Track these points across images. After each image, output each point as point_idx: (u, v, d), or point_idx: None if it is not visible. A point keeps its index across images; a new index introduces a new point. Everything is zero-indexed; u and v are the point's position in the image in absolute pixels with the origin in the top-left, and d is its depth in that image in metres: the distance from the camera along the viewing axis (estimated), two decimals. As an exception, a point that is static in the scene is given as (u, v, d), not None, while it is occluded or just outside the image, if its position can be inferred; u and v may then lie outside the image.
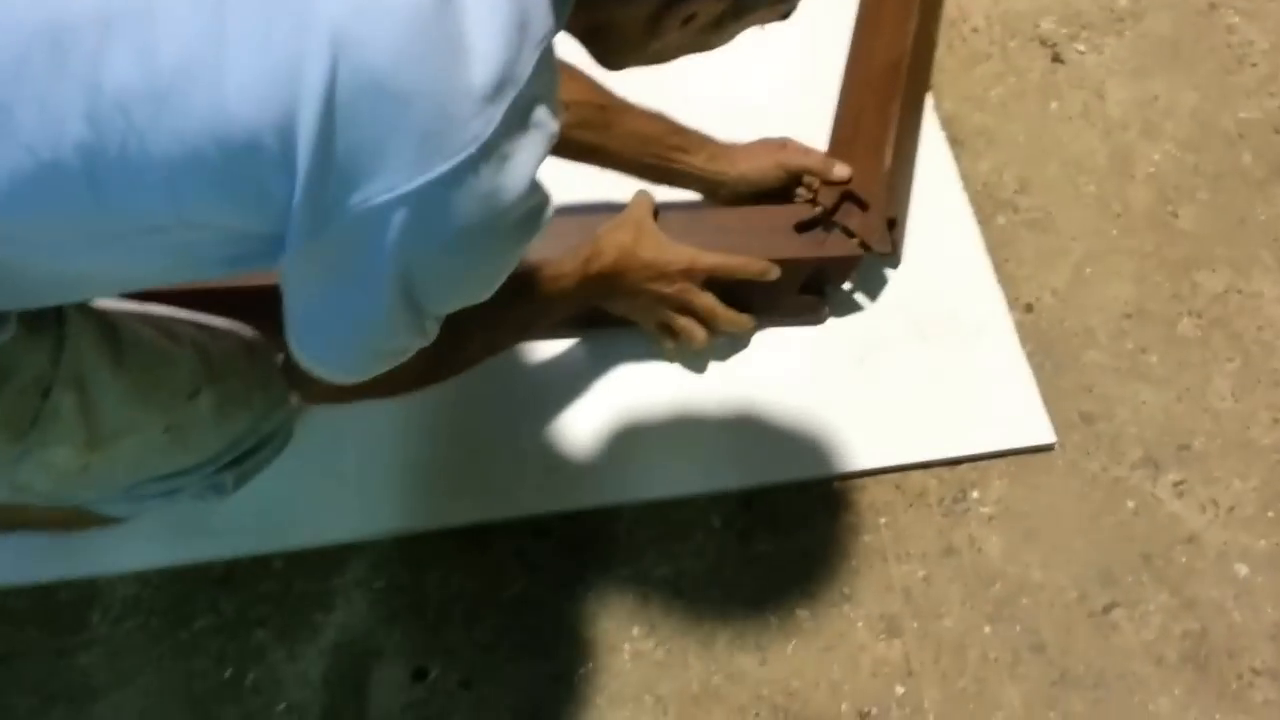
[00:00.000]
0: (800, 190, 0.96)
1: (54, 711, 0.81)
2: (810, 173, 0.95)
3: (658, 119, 0.91)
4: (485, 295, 0.56)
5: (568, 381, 0.95)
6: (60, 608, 0.85)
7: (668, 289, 0.87)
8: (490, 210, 0.49)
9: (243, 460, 0.79)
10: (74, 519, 0.84)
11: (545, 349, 0.96)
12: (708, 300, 0.89)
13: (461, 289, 0.55)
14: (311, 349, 0.58)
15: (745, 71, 1.11)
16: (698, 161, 0.92)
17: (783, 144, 0.96)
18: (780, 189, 0.96)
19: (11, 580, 0.85)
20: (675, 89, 1.07)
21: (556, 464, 0.91)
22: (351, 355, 0.58)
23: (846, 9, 1.09)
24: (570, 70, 0.78)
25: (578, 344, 0.97)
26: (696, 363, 0.96)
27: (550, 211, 0.54)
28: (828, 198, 0.93)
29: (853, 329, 0.99)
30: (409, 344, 0.58)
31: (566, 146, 0.78)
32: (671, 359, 0.96)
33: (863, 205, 0.94)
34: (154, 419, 0.67)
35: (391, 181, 0.46)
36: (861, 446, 0.93)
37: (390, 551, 0.88)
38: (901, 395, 0.96)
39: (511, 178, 0.49)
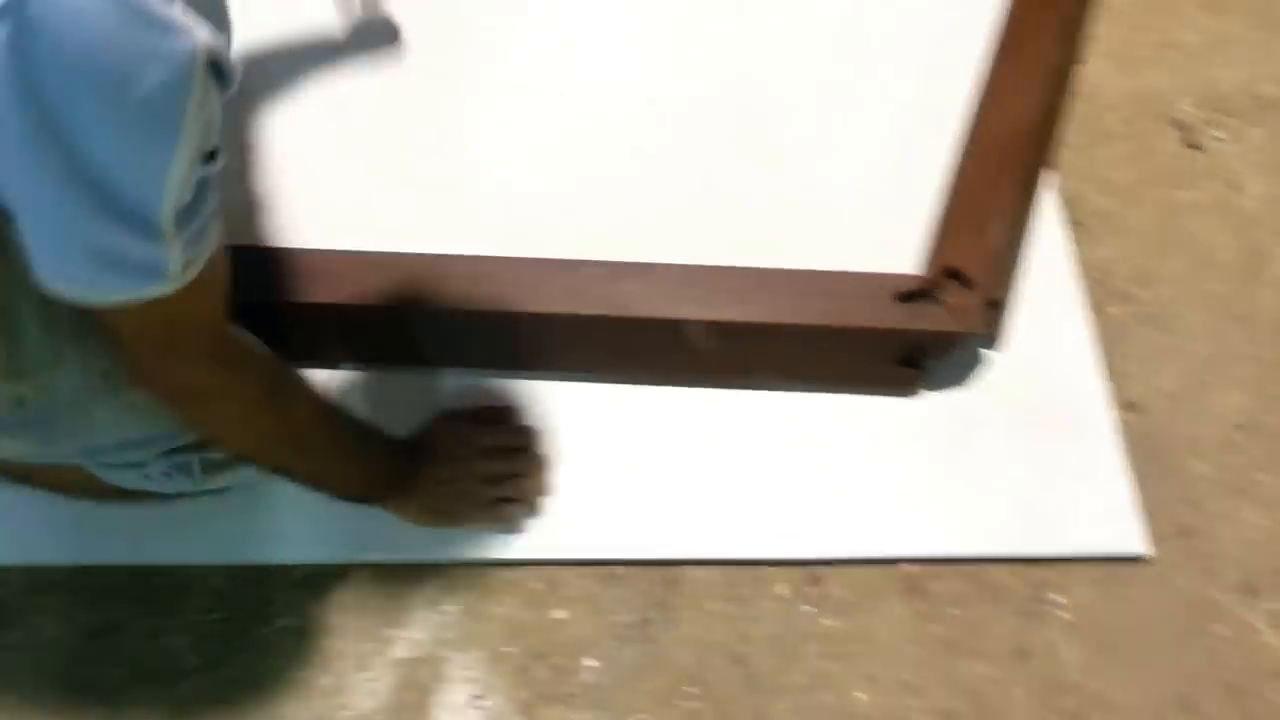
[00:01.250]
0: None
1: (141, 687, 0.87)
2: None
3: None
4: (177, 161, 0.46)
5: (642, 428, 0.96)
6: (156, 591, 0.90)
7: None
8: (110, 18, 0.41)
9: (206, 445, 0.77)
10: (80, 483, 0.83)
11: (621, 395, 0.97)
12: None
13: (129, 140, 0.44)
14: (35, 245, 0.48)
15: (852, 140, 1.10)
16: None
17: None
18: None
19: (111, 559, 0.90)
20: (789, 136, 1.07)
21: (627, 512, 0.92)
22: (59, 247, 0.48)
23: (967, 75, 1.06)
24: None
25: (651, 393, 0.97)
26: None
27: (225, 48, 0.45)
28: (931, 272, 0.92)
29: (945, 408, 0.97)
30: (119, 241, 0.47)
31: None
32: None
33: (966, 283, 0.92)
34: (88, 360, 0.65)
35: None
36: (941, 532, 0.91)
37: (464, 578, 0.91)
38: (988, 483, 0.93)
39: None
